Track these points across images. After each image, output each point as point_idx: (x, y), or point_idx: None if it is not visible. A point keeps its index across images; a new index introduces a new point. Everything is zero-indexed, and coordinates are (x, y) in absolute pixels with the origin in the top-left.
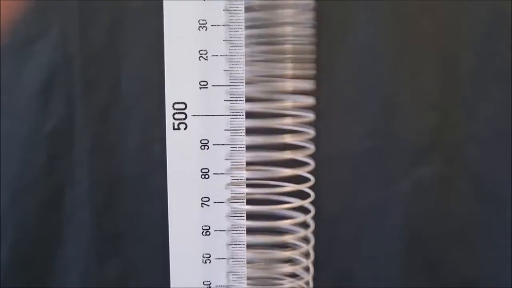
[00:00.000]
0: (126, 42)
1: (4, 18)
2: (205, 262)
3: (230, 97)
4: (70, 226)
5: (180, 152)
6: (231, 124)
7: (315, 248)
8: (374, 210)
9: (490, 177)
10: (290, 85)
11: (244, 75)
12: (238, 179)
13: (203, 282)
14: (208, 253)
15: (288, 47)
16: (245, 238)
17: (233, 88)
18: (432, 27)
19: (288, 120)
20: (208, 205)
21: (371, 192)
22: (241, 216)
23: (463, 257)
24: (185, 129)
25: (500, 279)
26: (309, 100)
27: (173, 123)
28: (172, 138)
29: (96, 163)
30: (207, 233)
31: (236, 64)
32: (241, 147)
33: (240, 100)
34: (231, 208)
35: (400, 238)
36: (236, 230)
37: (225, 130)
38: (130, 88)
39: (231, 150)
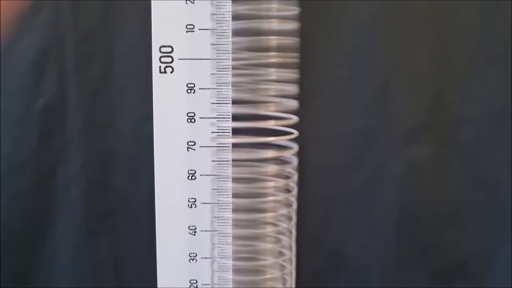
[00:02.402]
0: (119, 19)
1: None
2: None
3: (217, 40)
4: (62, 204)
5: (166, 95)
6: (217, 67)
7: (307, 228)
8: (367, 190)
9: (484, 159)
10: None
11: (230, 18)
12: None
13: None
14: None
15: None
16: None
17: (219, 32)
18: (427, 7)
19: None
20: (194, 149)
21: (364, 172)
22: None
23: (455, 238)
24: (171, 72)
25: (491, 260)
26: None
27: (160, 67)
28: (159, 82)
29: (89, 141)
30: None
31: (222, 7)
32: (227, 91)
33: (226, 44)
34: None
35: (393, 218)
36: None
37: (211, 74)
38: (123, 66)
39: (217, 94)
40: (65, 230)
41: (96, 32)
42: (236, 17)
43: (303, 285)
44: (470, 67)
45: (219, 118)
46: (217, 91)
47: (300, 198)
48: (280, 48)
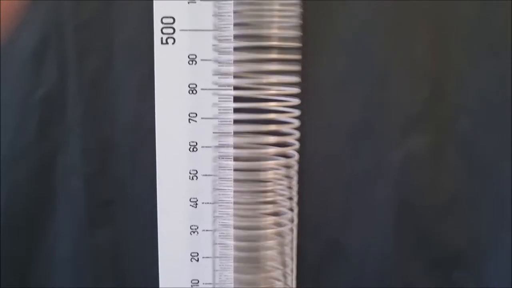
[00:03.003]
0: (119, 8)
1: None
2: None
3: (219, 11)
4: (61, 193)
5: (168, 66)
6: (219, 39)
7: (306, 217)
8: (365, 180)
9: (482, 148)
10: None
11: None
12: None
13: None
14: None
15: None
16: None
17: (221, 3)
18: None
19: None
20: (196, 121)
21: (362, 162)
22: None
23: (454, 227)
24: (173, 43)
25: (490, 250)
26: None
27: (161, 38)
28: (160, 53)
29: (89, 130)
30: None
31: None
32: (229, 62)
33: (228, 16)
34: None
35: (391, 208)
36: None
37: (213, 45)
38: (123, 54)
39: (219, 66)
40: (65, 219)
41: (96, 20)
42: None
43: (302, 275)
44: (469, 57)
45: (220, 89)
46: (218, 63)
47: (298, 188)
48: (281, 39)
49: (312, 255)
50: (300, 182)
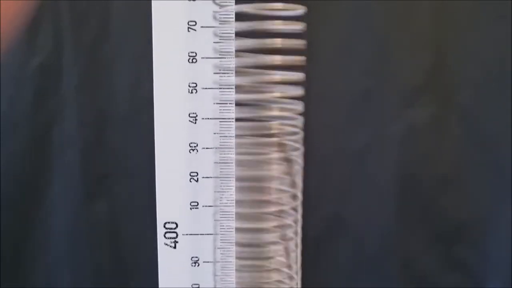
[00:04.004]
0: None
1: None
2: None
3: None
4: (57, 164)
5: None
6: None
7: (307, 191)
8: (366, 152)
9: (484, 120)
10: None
11: None
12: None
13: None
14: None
15: None
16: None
17: None
18: None
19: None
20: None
21: (364, 133)
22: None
23: (455, 201)
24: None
25: (491, 223)
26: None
27: None
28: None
29: (85, 101)
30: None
31: None
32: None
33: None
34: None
35: (392, 180)
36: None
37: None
38: (119, 24)
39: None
40: (61, 191)
41: None
42: None
43: (303, 249)
44: (471, 27)
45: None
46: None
47: None
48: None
49: (314, 230)
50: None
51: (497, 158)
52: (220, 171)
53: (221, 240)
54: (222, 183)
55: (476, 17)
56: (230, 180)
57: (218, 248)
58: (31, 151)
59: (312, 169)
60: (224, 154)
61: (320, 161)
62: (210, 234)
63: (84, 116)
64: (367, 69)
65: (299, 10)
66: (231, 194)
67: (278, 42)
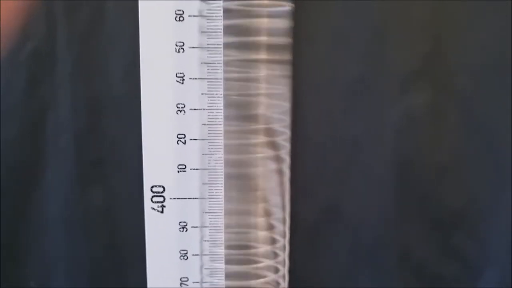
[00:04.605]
0: None
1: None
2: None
3: None
4: (51, 151)
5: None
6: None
7: (301, 180)
8: (362, 139)
9: (483, 107)
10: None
11: None
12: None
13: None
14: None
15: None
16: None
17: None
18: None
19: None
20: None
21: (359, 121)
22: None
23: (453, 188)
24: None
25: (489, 211)
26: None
27: None
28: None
29: (79, 86)
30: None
31: None
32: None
33: None
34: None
35: (389, 169)
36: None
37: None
38: (114, 10)
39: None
40: (54, 178)
41: None
42: None
43: (298, 239)
44: (469, 13)
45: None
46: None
47: (292, 150)
48: None
49: (307, 219)
50: (294, 144)
51: (496, 145)
52: (208, 133)
53: (209, 204)
54: (210, 145)
55: (474, 1)
56: (219, 142)
57: (206, 212)
58: (24, 137)
59: (307, 157)
60: (212, 115)
61: (316, 149)
62: (198, 198)
63: (78, 101)
64: (363, 55)
65: None
66: (219, 156)
67: (264, 22)
